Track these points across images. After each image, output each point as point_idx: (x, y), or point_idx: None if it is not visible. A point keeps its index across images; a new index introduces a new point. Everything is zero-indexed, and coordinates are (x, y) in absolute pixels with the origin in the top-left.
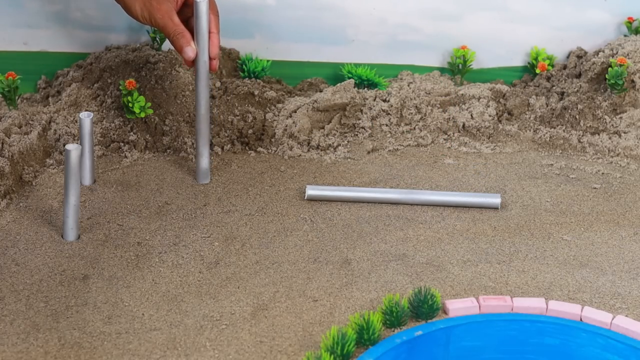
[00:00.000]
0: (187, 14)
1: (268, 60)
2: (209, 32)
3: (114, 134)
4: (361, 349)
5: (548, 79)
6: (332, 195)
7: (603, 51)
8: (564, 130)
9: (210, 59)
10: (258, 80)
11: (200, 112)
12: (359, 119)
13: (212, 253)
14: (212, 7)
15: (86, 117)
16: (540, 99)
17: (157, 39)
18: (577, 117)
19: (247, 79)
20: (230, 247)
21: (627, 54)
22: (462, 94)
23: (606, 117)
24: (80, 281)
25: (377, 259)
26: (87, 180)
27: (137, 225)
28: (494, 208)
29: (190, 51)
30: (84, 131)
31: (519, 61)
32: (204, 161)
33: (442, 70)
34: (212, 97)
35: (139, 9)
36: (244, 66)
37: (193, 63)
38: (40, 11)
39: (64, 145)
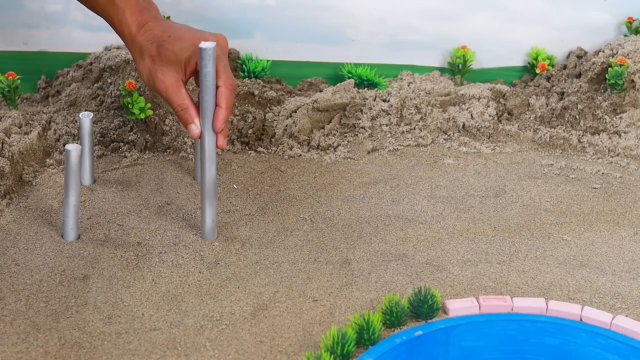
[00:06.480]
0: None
1: (268, 60)
2: (216, 106)
3: (113, 134)
4: (361, 349)
5: (548, 79)
6: None
7: (603, 51)
8: (564, 130)
9: (214, 131)
10: (258, 80)
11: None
12: (359, 119)
13: (212, 253)
14: (226, 81)
15: (86, 117)
16: (540, 99)
17: None
18: (577, 117)
19: (247, 79)
20: (230, 247)
21: (627, 54)
22: (462, 94)
23: (606, 117)
24: (80, 281)
25: (377, 259)
26: (87, 180)
27: (137, 225)
28: None
29: (194, 129)
30: (83, 131)
31: (519, 61)
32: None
33: (442, 70)
34: None
35: (145, 74)
36: (244, 66)
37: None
38: (40, 11)
39: (64, 145)
